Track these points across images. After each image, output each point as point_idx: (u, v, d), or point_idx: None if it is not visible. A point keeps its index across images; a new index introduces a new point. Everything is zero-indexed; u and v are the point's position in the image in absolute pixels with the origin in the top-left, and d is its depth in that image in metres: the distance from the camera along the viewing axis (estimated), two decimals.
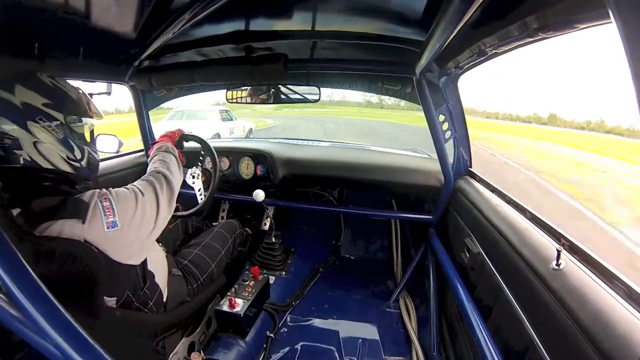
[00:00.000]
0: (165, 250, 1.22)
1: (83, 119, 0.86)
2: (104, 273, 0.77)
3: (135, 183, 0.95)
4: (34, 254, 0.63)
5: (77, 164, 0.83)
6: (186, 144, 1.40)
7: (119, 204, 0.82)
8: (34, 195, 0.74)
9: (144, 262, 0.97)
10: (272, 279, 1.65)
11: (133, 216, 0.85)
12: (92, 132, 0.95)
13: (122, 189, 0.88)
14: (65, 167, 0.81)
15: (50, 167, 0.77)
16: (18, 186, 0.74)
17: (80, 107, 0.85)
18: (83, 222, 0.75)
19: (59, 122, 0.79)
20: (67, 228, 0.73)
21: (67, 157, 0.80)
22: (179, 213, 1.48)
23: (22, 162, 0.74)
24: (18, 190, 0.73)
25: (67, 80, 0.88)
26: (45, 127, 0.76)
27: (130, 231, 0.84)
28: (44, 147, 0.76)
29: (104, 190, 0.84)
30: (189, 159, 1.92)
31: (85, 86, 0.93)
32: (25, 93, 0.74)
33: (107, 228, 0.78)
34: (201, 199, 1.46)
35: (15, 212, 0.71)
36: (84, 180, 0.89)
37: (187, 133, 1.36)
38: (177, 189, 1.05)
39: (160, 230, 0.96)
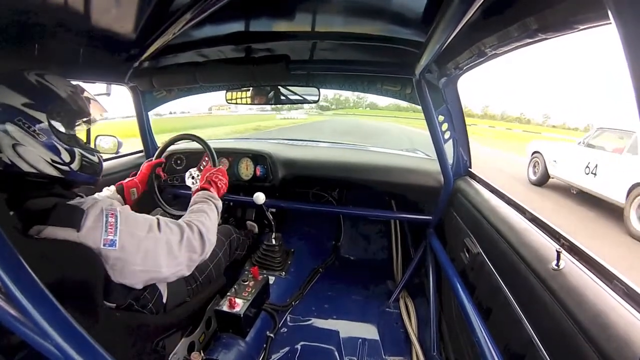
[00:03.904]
0: None
1: (75, 119, 0.81)
2: (102, 275, 0.76)
3: (163, 218, 0.88)
4: (33, 255, 0.63)
5: (65, 168, 0.78)
6: (187, 145, 1.41)
7: (125, 226, 0.77)
8: (25, 197, 0.72)
9: None
10: (271, 279, 1.65)
11: (137, 247, 0.78)
12: (88, 132, 0.91)
13: (136, 214, 0.83)
14: (51, 171, 0.75)
15: (32, 170, 0.73)
16: (7, 188, 0.72)
17: (70, 107, 0.79)
18: (78, 230, 0.71)
19: (41, 123, 0.73)
20: (60, 233, 0.71)
21: (52, 160, 0.75)
22: (175, 212, 1.48)
23: (3, 165, 0.70)
24: (9, 192, 0.72)
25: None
26: (25, 128, 0.71)
27: (133, 261, 0.78)
28: (24, 150, 0.71)
29: (116, 205, 0.80)
30: (189, 160, 1.93)
31: (83, 87, 0.90)
32: (6, 93, 0.70)
33: (104, 245, 0.73)
34: None
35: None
36: (83, 184, 0.85)
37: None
38: (207, 254, 0.95)
39: (170, 280, 0.91)
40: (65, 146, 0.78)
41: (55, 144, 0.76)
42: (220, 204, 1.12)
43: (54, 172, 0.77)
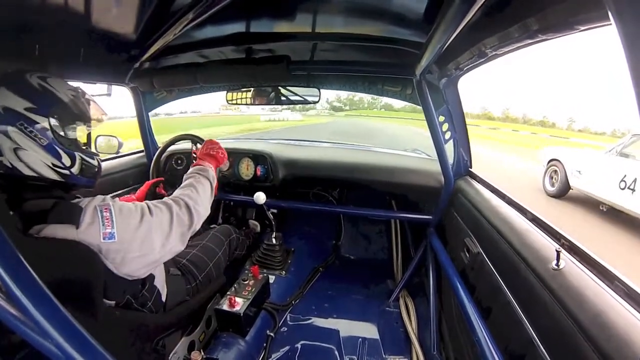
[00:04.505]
0: None
1: (76, 123, 0.82)
2: (102, 274, 0.76)
3: (150, 202, 0.90)
4: (33, 255, 0.63)
5: (65, 172, 0.78)
6: (188, 145, 1.41)
7: (120, 217, 0.79)
8: (25, 199, 0.73)
9: None
10: (272, 279, 1.65)
11: (134, 235, 0.80)
12: (88, 136, 0.91)
13: (127, 203, 0.85)
14: (51, 175, 0.76)
15: (33, 174, 0.73)
16: (7, 191, 0.72)
17: (71, 111, 0.79)
18: (77, 227, 0.72)
19: (43, 127, 0.73)
20: (60, 232, 0.71)
21: (53, 164, 0.76)
22: None
23: (4, 168, 0.71)
24: (9, 194, 0.72)
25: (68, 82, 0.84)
26: (27, 132, 0.71)
27: (130, 249, 0.80)
28: (25, 154, 0.72)
29: (108, 200, 0.81)
30: (190, 160, 1.93)
31: (84, 88, 0.89)
32: (8, 96, 0.70)
33: (104, 238, 0.74)
34: None
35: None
36: (82, 188, 0.86)
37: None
38: (197, 226, 0.97)
39: (165, 260, 0.92)
40: (66, 150, 0.78)
41: (56, 147, 0.76)
42: (210, 173, 1.11)
43: (55, 176, 0.77)
